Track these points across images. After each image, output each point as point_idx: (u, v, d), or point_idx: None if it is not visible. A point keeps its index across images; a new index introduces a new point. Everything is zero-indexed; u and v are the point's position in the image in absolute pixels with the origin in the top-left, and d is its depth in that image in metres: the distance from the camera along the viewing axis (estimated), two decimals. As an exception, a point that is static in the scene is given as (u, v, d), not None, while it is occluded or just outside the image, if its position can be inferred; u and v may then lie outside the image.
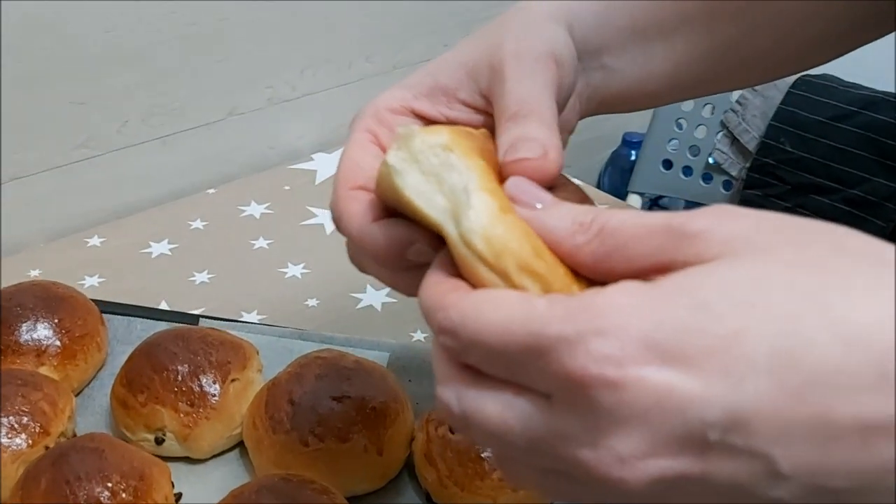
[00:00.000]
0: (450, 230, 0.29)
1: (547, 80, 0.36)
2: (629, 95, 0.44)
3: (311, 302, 0.68)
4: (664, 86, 0.45)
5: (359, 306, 0.68)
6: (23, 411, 0.49)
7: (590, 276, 0.28)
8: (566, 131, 0.42)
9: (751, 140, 0.98)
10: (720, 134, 1.01)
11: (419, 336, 0.64)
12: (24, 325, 0.55)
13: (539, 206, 0.29)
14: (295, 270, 0.72)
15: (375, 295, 0.69)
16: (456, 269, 0.29)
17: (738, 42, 0.45)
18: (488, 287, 0.27)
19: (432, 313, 0.28)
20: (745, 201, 1.00)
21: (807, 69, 0.52)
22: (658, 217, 0.26)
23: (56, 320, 0.56)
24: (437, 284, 0.29)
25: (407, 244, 0.34)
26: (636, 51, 0.43)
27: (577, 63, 0.40)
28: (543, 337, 0.24)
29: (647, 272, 0.26)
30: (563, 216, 0.28)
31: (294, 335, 0.60)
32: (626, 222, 0.26)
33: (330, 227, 0.78)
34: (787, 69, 0.51)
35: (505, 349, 0.25)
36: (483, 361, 0.26)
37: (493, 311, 0.26)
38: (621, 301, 0.24)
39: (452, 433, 0.48)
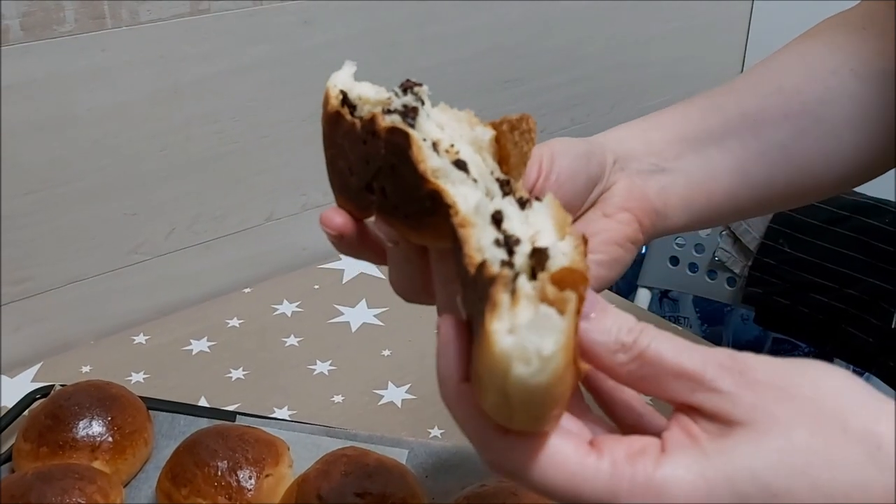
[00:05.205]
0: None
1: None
2: (703, 196, 0.46)
3: (337, 398, 0.74)
4: (735, 184, 0.47)
5: (380, 402, 0.74)
6: (79, 503, 0.55)
7: (624, 384, 0.31)
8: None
9: (752, 240, 1.03)
10: (723, 233, 1.07)
11: (436, 432, 0.69)
12: (81, 422, 0.62)
13: (593, 315, 0.30)
14: (322, 367, 0.78)
15: (396, 392, 0.74)
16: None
17: (788, 146, 0.47)
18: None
19: (479, 450, 0.30)
20: (748, 298, 1.05)
21: (861, 184, 0.53)
22: (694, 358, 0.29)
23: (109, 418, 0.62)
24: (471, 420, 0.29)
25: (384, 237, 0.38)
26: (692, 155, 0.46)
27: (607, 165, 0.44)
28: None
29: (675, 404, 0.30)
30: (608, 331, 0.30)
31: (322, 432, 0.66)
32: (664, 355, 0.29)
33: (355, 325, 0.84)
34: (840, 183, 0.51)
35: None
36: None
37: (557, 473, 0.28)
38: (684, 479, 0.28)
39: (464, 529, 0.53)
